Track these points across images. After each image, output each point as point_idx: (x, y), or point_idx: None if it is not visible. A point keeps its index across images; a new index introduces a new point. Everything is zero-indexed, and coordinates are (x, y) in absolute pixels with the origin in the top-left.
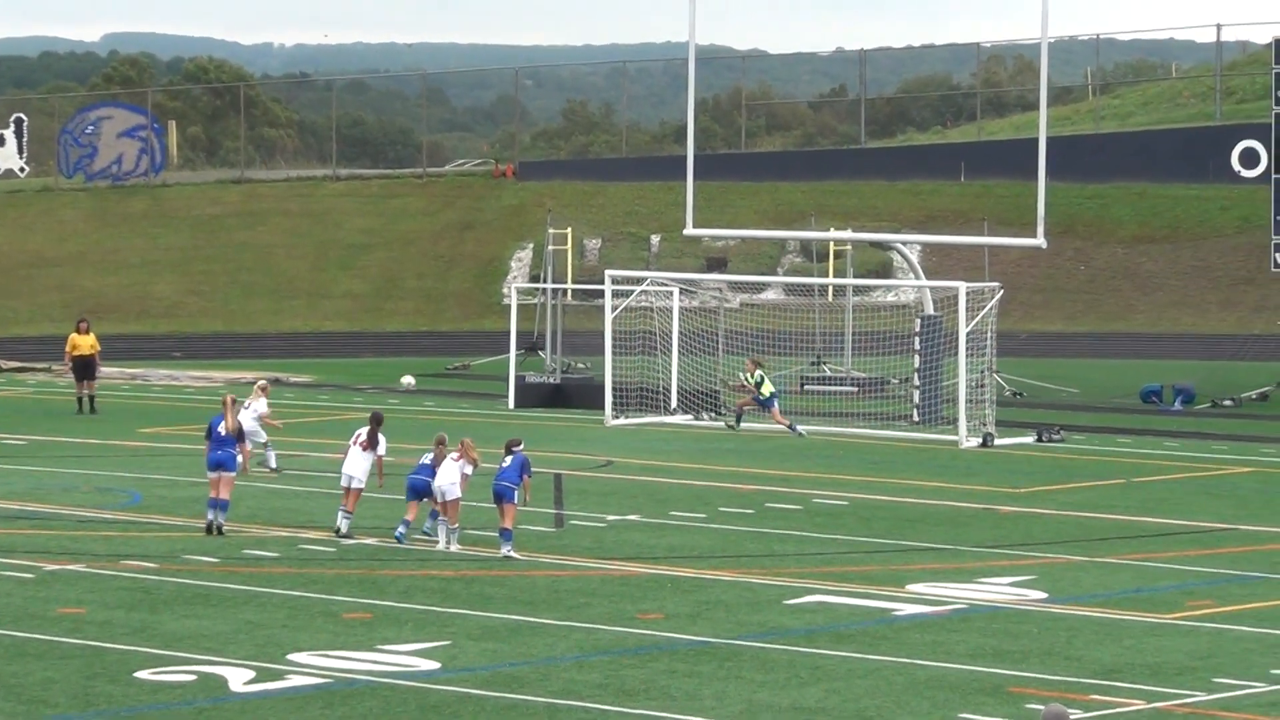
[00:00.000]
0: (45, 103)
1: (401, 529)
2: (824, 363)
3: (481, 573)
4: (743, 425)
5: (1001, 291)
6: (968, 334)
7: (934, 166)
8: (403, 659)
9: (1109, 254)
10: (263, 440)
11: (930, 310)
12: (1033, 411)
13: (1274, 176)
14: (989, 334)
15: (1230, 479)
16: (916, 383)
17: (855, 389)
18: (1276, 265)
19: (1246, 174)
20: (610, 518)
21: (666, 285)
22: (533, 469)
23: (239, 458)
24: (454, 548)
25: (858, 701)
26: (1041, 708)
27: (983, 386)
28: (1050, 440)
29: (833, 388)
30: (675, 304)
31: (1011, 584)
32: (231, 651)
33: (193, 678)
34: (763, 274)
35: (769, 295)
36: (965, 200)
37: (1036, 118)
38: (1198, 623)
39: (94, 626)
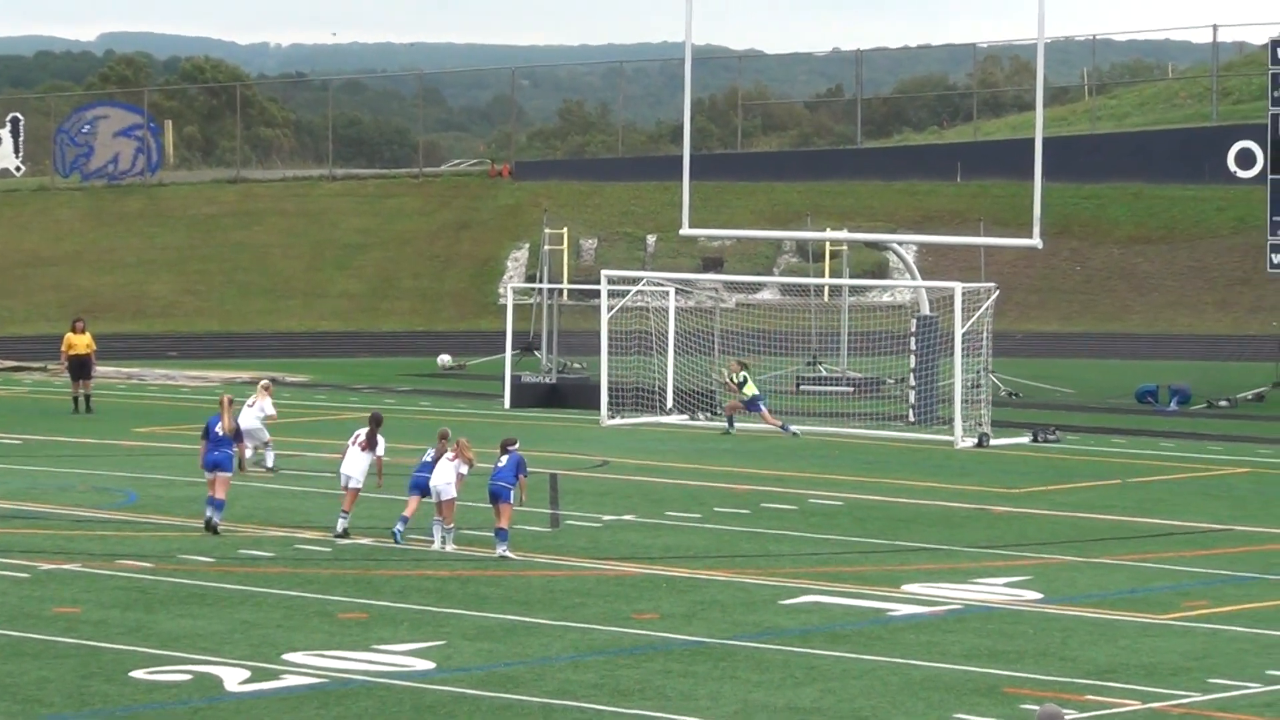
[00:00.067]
0: (41, 102)
1: (400, 526)
2: (820, 363)
3: (477, 573)
4: (737, 426)
5: (997, 292)
6: (963, 334)
7: (930, 167)
8: (398, 659)
9: (1105, 254)
10: (265, 439)
11: (926, 310)
12: (1028, 412)
13: (1270, 177)
14: (985, 334)
15: (1226, 480)
16: (912, 383)
17: (851, 389)
18: (1272, 266)
19: (1243, 175)
20: (606, 518)
21: (662, 285)
22: (528, 469)
23: (236, 458)
24: (449, 548)
25: (853, 702)
26: (1036, 708)
27: (978, 387)
28: (1046, 441)
29: (828, 388)
30: (671, 304)
31: (1006, 584)
32: (227, 651)
33: (188, 677)
34: (759, 274)
35: (765, 295)
36: (961, 200)
37: (1033, 118)
38: (1193, 623)
39: (89, 626)
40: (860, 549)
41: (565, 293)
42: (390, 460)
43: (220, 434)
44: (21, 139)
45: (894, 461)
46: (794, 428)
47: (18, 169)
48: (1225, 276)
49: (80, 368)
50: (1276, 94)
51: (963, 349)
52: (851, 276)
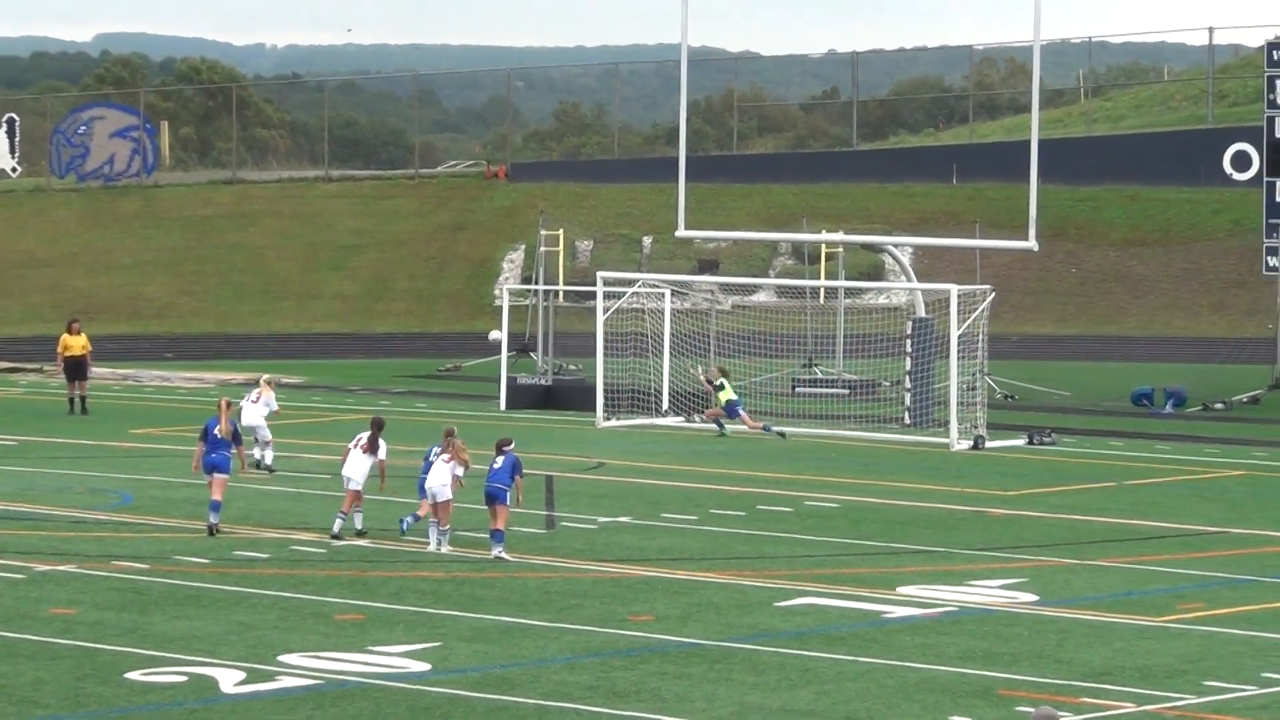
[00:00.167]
0: (37, 103)
1: (409, 520)
2: (816, 365)
3: (472, 574)
4: (730, 428)
5: (993, 294)
6: (959, 336)
7: (926, 169)
8: (394, 660)
9: (1100, 257)
10: (268, 438)
11: (922, 312)
12: (1024, 414)
13: (1266, 180)
14: (980, 336)
15: (1221, 482)
16: (908, 385)
17: (847, 391)
18: (1268, 269)
19: (1238, 177)
20: (601, 519)
21: (658, 287)
22: (524, 470)
23: (234, 460)
24: (445, 549)
25: (848, 704)
26: (1031, 710)
27: (974, 389)
28: (1041, 443)
29: (824, 390)
30: (667, 306)
31: (1002, 586)
32: (222, 653)
33: (184, 679)
34: (754, 276)
35: (761, 297)
36: (957, 202)
37: (1028, 120)
38: (1188, 625)
39: (85, 627)
40: (856, 551)
41: (561, 294)
42: (391, 463)
43: (218, 436)
44: (17, 140)
45: (890, 464)
46: (776, 428)
47: (14, 170)
48: (1221, 279)
49: (76, 369)
50: (1272, 96)
51: (958, 351)
52: (847, 278)
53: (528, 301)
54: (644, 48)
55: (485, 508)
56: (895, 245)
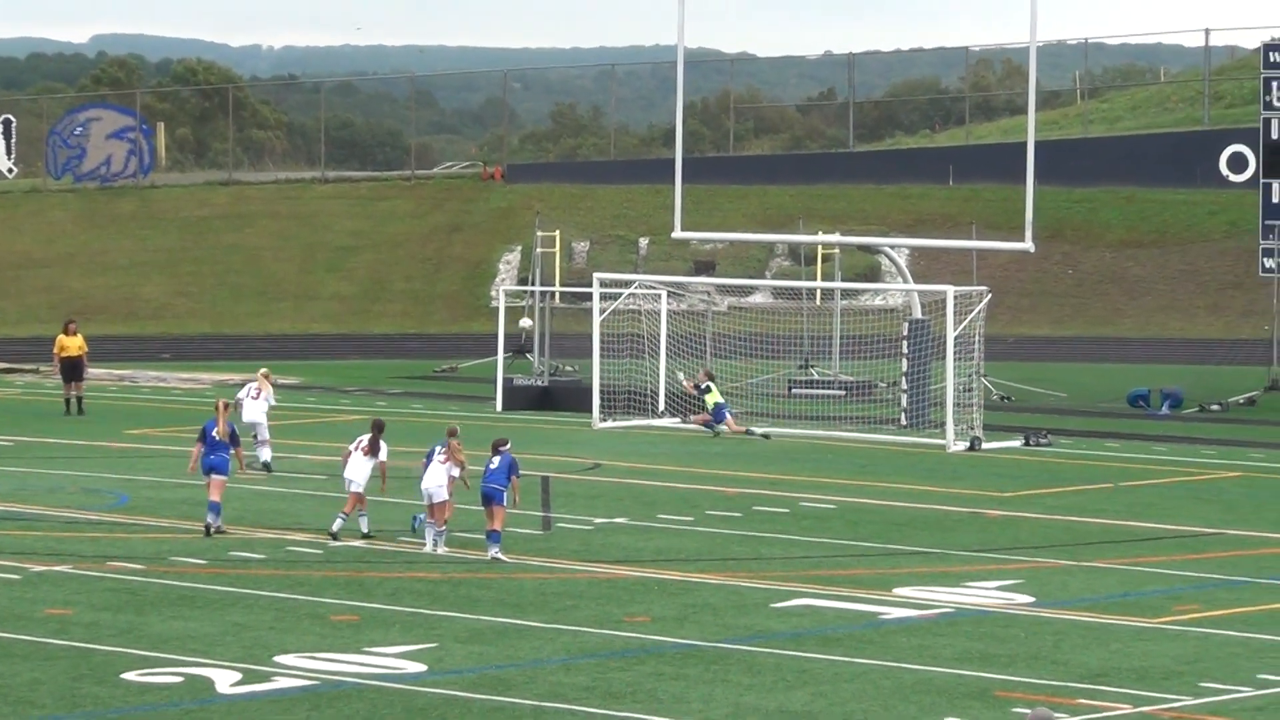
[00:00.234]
0: (34, 104)
1: (422, 518)
2: (812, 366)
3: (469, 575)
4: (745, 429)
5: (989, 295)
6: (955, 338)
7: (922, 170)
8: (390, 661)
9: (1097, 258)
10: (266, 437)
11: (918, 314)
12: (1020, 415)
13: (1262, 181)
14: (977, 338)
15: (1217, 483)
16: (904, 386)
17: (843, 392)
18: (1264, 270)
19: (1234, 179)
20: (597, 520)
21: (654, 288)
22: (520, 470)
23: (232, 461)
24: (441, 550)
25: (844, 705)
26: (1028, 711)
27: (970, 390)
28: (1038, 444)
29: (820, 391)
30: (663, 307)
31: (998, 588)
32: (218, 653)
33: (179, 679)
34: (751, 277)
35: (757, 298)
36: (953, 204)
37: (1025, 122)
38: (1184, 627)
39: (80, 628)
40: (852, 552)
41: (557, 295)
42: (391, 464)
43: (216, 438)
44: (14, 141)
45: (886, 465)
46: (760, 430)
47: (10, 171)
48: (1217, 280)
49: (72, 369)
50: (1269, 98)
51: (955, 352)
52: (843, 280)
53: (524, 302)
54: (640, 49)
55: (481, 508)
56: (891, 246)
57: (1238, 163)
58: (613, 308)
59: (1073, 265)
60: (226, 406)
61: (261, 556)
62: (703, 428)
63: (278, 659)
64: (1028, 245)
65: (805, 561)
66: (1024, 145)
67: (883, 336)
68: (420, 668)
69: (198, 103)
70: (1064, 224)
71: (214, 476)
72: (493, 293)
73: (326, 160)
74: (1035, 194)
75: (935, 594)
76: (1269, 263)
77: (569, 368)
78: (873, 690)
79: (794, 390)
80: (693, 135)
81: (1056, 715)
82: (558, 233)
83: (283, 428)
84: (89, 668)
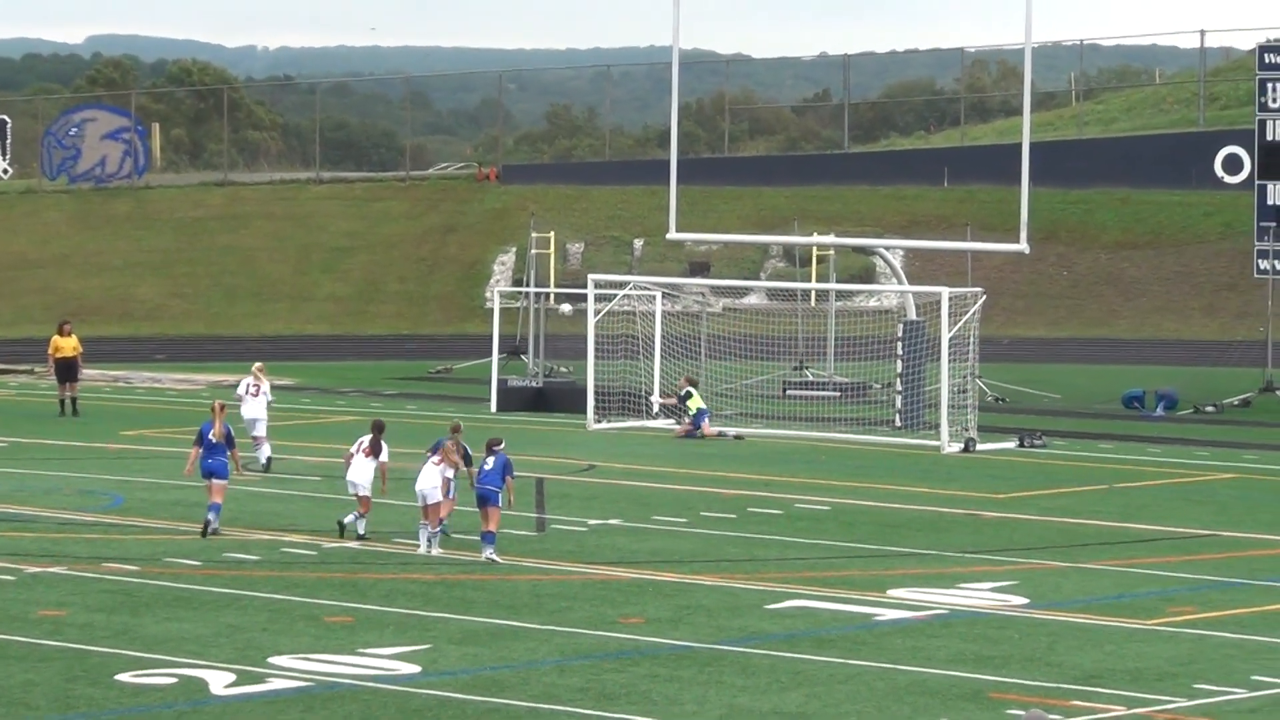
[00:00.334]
0: (29, 105)
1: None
2: (807, 367)
3: (463, 576)
4: (717, 430)
5: (984, 297)
6: (950, 339)
7: (917, 171)
8: (384, 662)
9: (1092, 259)
10: (264, 434)
11: (913, 315)
12: (1015, 417)
13: (1257, 183)
14: (971, 339)
15: (1212, 485)
16: (899, 388)
17: (838, 394)
18: (1259, 271)
19: (1230, 180)
20: (592, 522)
21: (649, 289)
22: (514, 471)
23: (230, 463)
24: (435, 551)
25: (839, 706)
26: (1022, 713)
27: (965, 392)
28: (1032, 446)
29: (815, 392)
30: (658, 308)
31: (993, 589)
32: (212, 654)
33: (173, 681)
34: (745, 278)
35: (752, 300)
36: (948, 205)
37: (1020, 123)
38: (1179, 629)
39: (75, 629)
40: (846, 554)
41: (552, 296)
42: (392, 465)
43: (214, 441)
44: (9, 141)
45: (880, 466)
46: (732, 432)
47: (5, 171)
48: (1212, 282)
49: (67, 370)
50: (1264, 100)
51: (949, 354)
52: (838, 281)
53: (519, 304)
54: (635, 50)
55: (475, 510)
56: (886, 248)
57: (1233, 164)
58: (607, 309)
59: (1068, 267)
60: (223, 408)
61: (256, 558)
62: (685, 438)
63: (272, 660)
64: (1023, 247)
65: (800, 563)
66: (1019, 146)
67: (877, 338)
68: (414, 669)
69: (193, 104)
70: (1059, 225)
71: (214, 481)
72: (487, 294)
73: (321, 161)
74: (1030, 195)
75: (929, 595)
76: (1263, 264)
77: (563, 369)
78: (867, 692)
79: (789, 391)
80: (688, 136)
81: (1051, 717)
82: (552, 234)
83: (278, 428)
84: (83, 669)
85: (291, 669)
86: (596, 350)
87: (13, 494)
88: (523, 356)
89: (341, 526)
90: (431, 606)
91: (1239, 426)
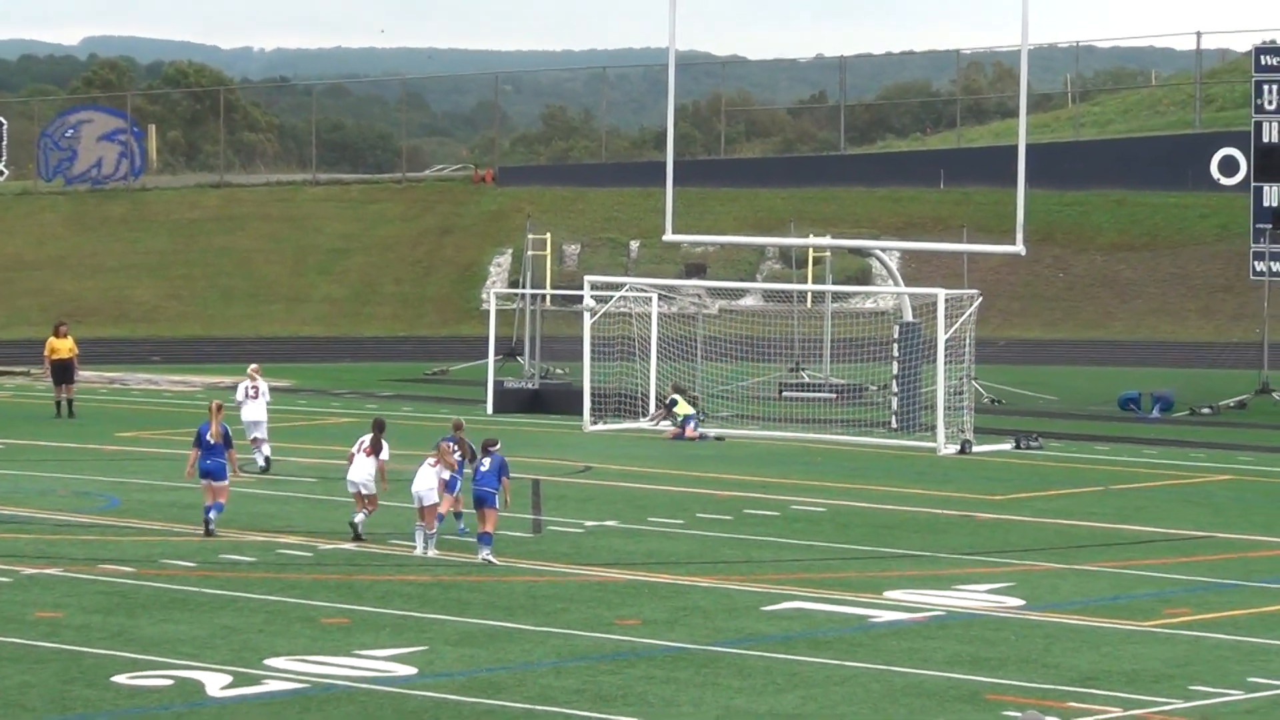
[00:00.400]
0: (25, 106)
1: (460, 525)
2: (803, 369)
3: (459, 578)
4: (712, 432)
5: (980, 298)
6: (946, 341)
7: (913, 173)
8: (380, 664)
9: (1088, 261)
10: (264, 436)
11: (909, 317)
12: (1011, 418)
13: (1253, 185)
14: (967, 341)
15: (1208, 487)
16: (895, 389)
17: (834, 395)
18: (1255, 273)
19: (1225, 182)
20: (588, 523)
21: (645, 291)
22: (510, 472)
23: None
24: (431, 553)
25: (835, 708)
26: (1018, 715)
27: (961, 393)
28: (1028, 447)
29: (811, 394)
30: (654, 310)
31: (989, 591)
32: (209, 656)
33: (170, 682)
34: (742, 280)
35: (748, 301)
36: (944, 207)
37: (1016, 125)
38: (1175, 630)
39: (71, 630)
40: (843, 555)
41: (548, 298)
42: (392, 467)
43: (211, 442)
44: (5, 143)
45: (876, 468)
46: (713, 433)
47: (1, 173)
48: (1208, 284)
49: (63, 372)
50: (1259, 101)
51: (946, 355)
52: (834, 283)
53: (515, 305)
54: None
55: (474, 511)
56: (882, 250)
57: (1229, 166)
58: (603, 310)
59: (1064, 268)
60: (220, 408)
61: (252, 559)
62: (675, 440)
63: (268, 662)
64: (1019, 248)
65: (796, 564)
66: (1015, 148)
67: (873, 339)
68: (410, 670)
69: (189, 105)
70: (1055, 227)
71: (212, 482)
72: (483, 295)
73: (317, 163)
74: (1026, 197)
75: (926, 597)
76: (1259, 266)
77: (560, 370)
78: (863, 693)
79: (785, 393)
80: (684, 138)
81: (1047, 718)
82: (549, 235)
83: (274, 430)
84: (79, 671)
85: (288, 670)
86: (593, 352)
87: (8, 495)
88: (519, 358)
89: (355, 529)
90: (428, 608)
91: (1235, 428)
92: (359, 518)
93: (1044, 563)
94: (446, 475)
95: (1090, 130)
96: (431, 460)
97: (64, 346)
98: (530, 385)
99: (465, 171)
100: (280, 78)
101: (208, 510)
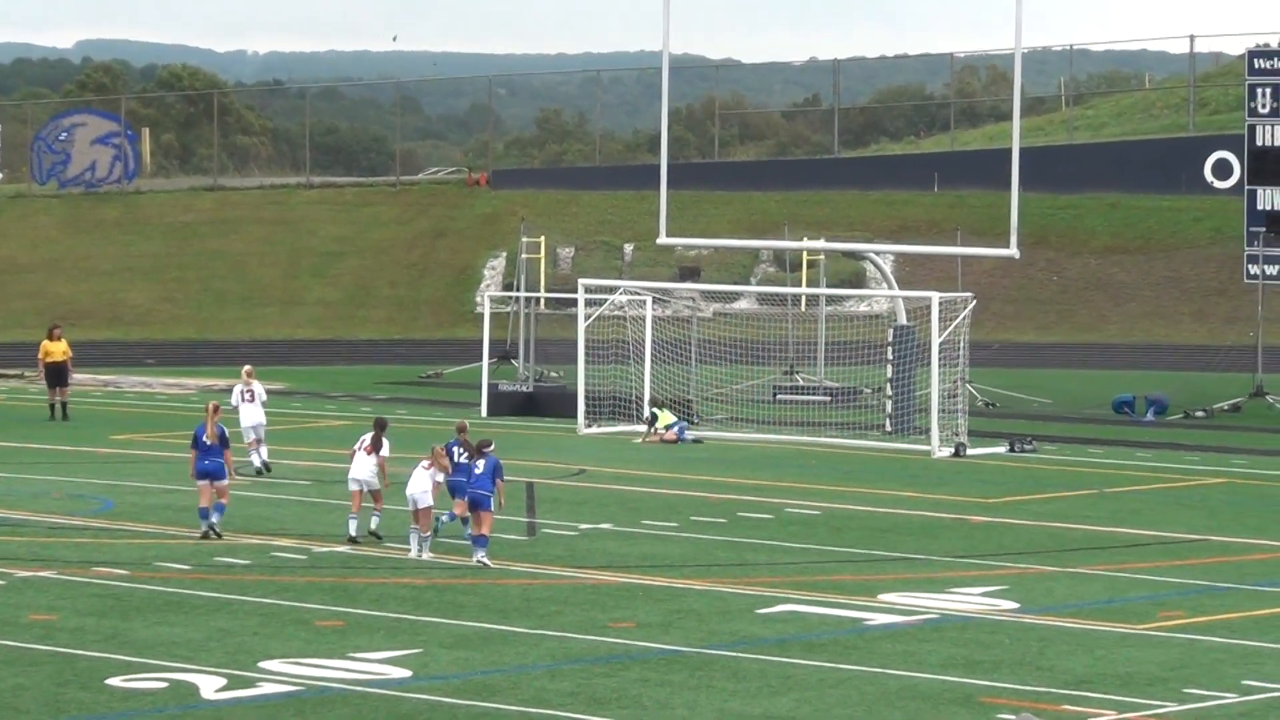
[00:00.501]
0: (19, 109)
1: (445, 517)
2: (797, 372)
3: (453, 581)
4: (706, 435)
5: (974, 301)
6: (940, 344)
7: (907, 176)
8: (374, 667)
9: (1082, 265)
10: (262, 437)
11: (903, 320)
12: (1005, 422)
13: (1247, 188)
14: (962, 344)
15: (1202, 490)
16: (889, 392)
17: (828, 398)
18: (1249, 277)
19: (1219, 185)
20: (582, 526)
21: (640, 294)
22: (505, 475)
23: (226, 465)
24: (426, 556)
25: (829, 711)
26: (1013, 718)
27: (955, 396)
28: (1022, 450)
29: (805, 397)
30: (648, 313)
31: (983, 594)
32: (203, 659)
33: (164, 685)
34: (736, 283)
35: (742, 304)
36: (938, 210)
37: (1010, 128)
38: (1169, 633)
39: (65, 633)
40: (837, 558)
41: (542, 301)
42: (393, 470)
43: (209, 443)
44: None
45: (871, 471)
46: (690, 435)
47: None
48: (1202, 287)
49: (57, 375)
50: (1253, 104)
51: (940, 359)
52: (829, 286)
53: (509, 308)
54: (625, 55)
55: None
56: (877, 253)
57: (1222, 169)
58: (598, 314)
59: (1058, 271)
60: (216, 409)
61: (246, 562)
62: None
63: (263, 664)
64: (1013, 251)
65: (790, 567)
66: (1009, 151)
67: (868, 342)
68: (405, 673)
69: (183, 108)
70: (1049, 230)
71: (214, 484)
72: (478, 299)
73: (311, 166)
74: (1020, 200)
75: (920, 600)
76: (1253, 269)
77: (554, 373)
78: (857, 696)
79: (779, 396)
80: (678, 141)
81: None
82: (543, 239)
83: (268, 433)
84: (73, 673)
85: (282, 673)
86: (587, 355)
87: (2, 498)
88: (513, 361)
89: (377, 536)
90: (422, 611)
91: (1229, 431)
92: (374, 523)
93: (1038, 566)
94: (440, 478)
95: (1084, 133)
96: (425, 463)
97: (58, 349)
98: (524, 388)
99: (459, 175)
100: (274, 81)
101: (204, 512)
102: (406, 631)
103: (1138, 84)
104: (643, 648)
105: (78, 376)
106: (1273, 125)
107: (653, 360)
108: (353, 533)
